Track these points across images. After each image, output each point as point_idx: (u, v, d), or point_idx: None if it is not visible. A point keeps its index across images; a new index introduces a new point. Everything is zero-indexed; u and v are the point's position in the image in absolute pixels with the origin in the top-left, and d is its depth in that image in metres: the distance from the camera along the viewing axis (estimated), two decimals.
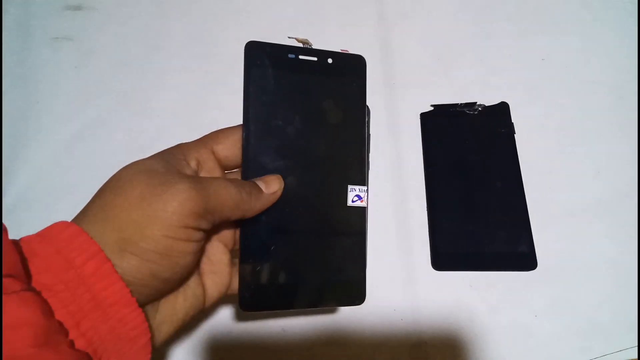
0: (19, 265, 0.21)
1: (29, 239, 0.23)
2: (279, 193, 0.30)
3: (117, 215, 0.24)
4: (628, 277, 0.40)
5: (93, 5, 0.53)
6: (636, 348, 0.38)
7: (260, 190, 0.29)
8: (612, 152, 0.45)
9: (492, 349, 0.38)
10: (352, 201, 0.31)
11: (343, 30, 0.51)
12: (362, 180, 0.32)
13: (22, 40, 0.51)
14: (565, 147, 0.45)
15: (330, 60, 0.32)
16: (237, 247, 0.31)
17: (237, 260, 0.30)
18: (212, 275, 0.30)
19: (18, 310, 0.19)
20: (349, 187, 0.31)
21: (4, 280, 0.20)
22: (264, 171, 0.30)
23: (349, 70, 0.32)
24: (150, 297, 0.26)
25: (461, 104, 0.47)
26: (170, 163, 0.27)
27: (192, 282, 0.29)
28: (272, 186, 0.30)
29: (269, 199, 0.30)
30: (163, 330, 0.27)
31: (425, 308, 0.40)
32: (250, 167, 0.30)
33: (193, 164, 0.29)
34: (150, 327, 0.25)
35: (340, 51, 0.32)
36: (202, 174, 0.30)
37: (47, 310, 0.20)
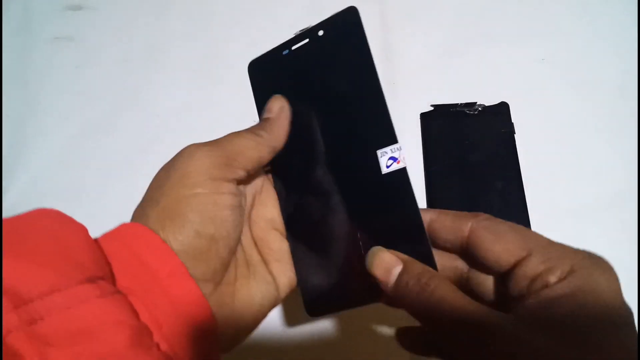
0: (107, 267, 0.22)
1: (102, 239, 0.23)
2: (287, 109, 0.29)
3: (151, 192, 0.25)
4: (628, 277, 0.40)
5: (94, 5, 0.53)
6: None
7: (267, 119, 0.29)
8: (612, 152, 0.45)
9: None
10: (387, 166, 0.27)
11: None
12: (392, 137, 0.27)
13: (22, 40, 0.51)
14: (565, 147, 0.45)
15: (321, 33, 0.29)
16: None
17: None
18: (277, 264, 0.30)
19: (116, 310, 0.19)
20: (379, 152, 0.27)
21: (100, 282, 0.20)
22: (296, 171, 0.30)
23: (343, 31, 0.29)
24: (222, 261, 0.26)
25: (461, 104, 0.47)
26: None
27: (260, 268, 0.29)
28: (273, 108, 0.29)
29: (280, 118, 0.29)
30: (245, 318, 0.27)
31: None
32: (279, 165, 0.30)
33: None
34: (229, 318, 0.26)
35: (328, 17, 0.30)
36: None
37: (136, 313, 0.21)
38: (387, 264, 0.25)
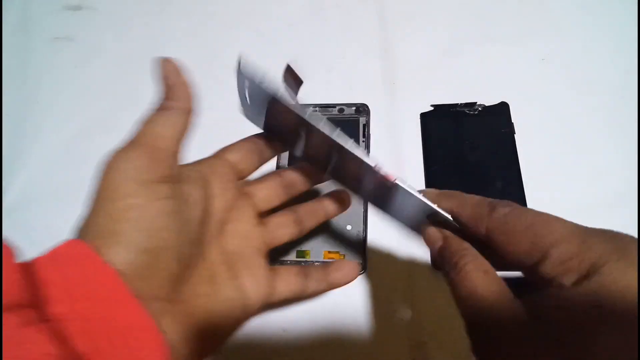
0: (37, 292, 0.20)
1: (39, 261, 0.21)
2: (177, 68, 0.27)
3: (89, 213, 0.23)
4: None
5: (93, 5, 0.53)
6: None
7: (167, 86, 0.27)
8: (612, 152, 0.45)
9: None
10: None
11: (343, 30, 0.51)
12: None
13: (22, 41, 0.51)
14: (565, 147, 0.45)
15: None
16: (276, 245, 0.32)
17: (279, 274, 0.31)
18: (251, 279, 0.29)
19: (40, 342, 0.18)
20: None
21: (23, 311, 0.19)
22: None
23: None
24: (169, 276, 0.24)
25: (461, 104, 0.46)
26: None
27: (228, 282, 0.28)
28: (168, 73, 0.27)
29: (178, 79, 0.27)
30: (207, 336, 0.26)
31: (426, 308, 0.40)
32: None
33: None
34: (188, 334, 0.25)
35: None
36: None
37: (66, 341, 0.19)
38: (432, 237, 0.27)
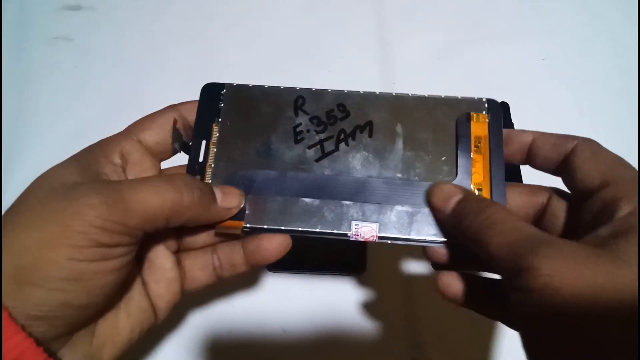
0: None
1: None
2: (235, 211, 0.26)
3: (17, 238, 0.20)
4: None
5: (92, 5, 0.53)
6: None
7: (213, 198, 0.25)
8: (612, 151, 0.45)
9: (494, 348, 0.38)
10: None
11: (343, 30, 0.51)
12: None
13: (21, 40, 0.51)
14: None
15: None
16: (183, 247, 0.28)
17: (187, 261, 0.28)
18: (156, 285, 0.26)
19: None
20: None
21: None
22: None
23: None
24: (71, 326, 0.22)
25: None
26: (86, 167, 0.24)
27: (136, 294, 0.26)
28: (231, 200, 0.26)
29: (220, 214, 0.25)
30: (105, 355, 0.24)
31: (426, 308, 0.40)
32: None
33: (116, 159, 0.25)
34: (87, 355, 0.22)
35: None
36: (130, 170, 0.26)
37: None
38: (447, 192, 0.25)
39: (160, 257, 0.27)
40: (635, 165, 0.24)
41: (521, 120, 0.46)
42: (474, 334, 0.39)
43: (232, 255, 0.28)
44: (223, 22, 0.52)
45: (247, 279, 0.40)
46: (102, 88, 0.49)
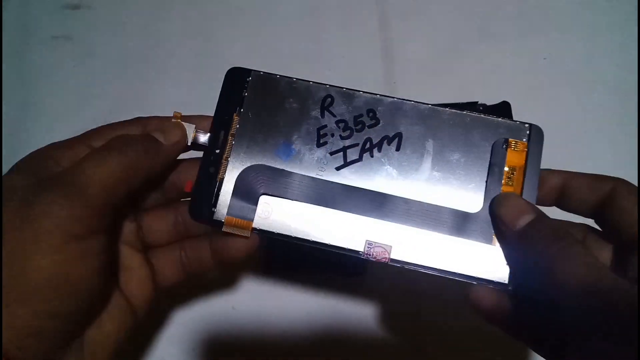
0: None
1: None
2: (184, 141, 0.26)
3: None
4: None
5: (92, 4, 0.53)
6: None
7: (156, 141, 0.25)
8: (612, 151, 0.45)
9: (494, 348, 0.38)
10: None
11: (344, 30, 0.51)
12: None
13: (20, 40, 0.51)
14: (565, 147, 0.45)
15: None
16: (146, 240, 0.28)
17: (155, 259, 0.28)
18: (128, 285, 0.27)
19: None
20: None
21: None
22: None
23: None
24: (63, 340, 0.22)
25: (462, 103, 0.46)
26: (35, 172, 0.23)
27: (113, 297, 0.26)
28: (173, 134, 0.26)
29: (171, 151, 0.26)
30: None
31: (426, 308, 0.40)
32: None
33: (65, 163, 0.25)
34: None
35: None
36: None
37: None
38: (518, 208, 0.24)
39: (127, 257, 0.27)
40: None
41: (522, 119, 0.45)
42: (475, 337, 0.39)
43: (200, 252, 0.28)
44: (224, 21, 0.52)
45: (247, 281, 0.40)
46: (102, 87, 0.49)
